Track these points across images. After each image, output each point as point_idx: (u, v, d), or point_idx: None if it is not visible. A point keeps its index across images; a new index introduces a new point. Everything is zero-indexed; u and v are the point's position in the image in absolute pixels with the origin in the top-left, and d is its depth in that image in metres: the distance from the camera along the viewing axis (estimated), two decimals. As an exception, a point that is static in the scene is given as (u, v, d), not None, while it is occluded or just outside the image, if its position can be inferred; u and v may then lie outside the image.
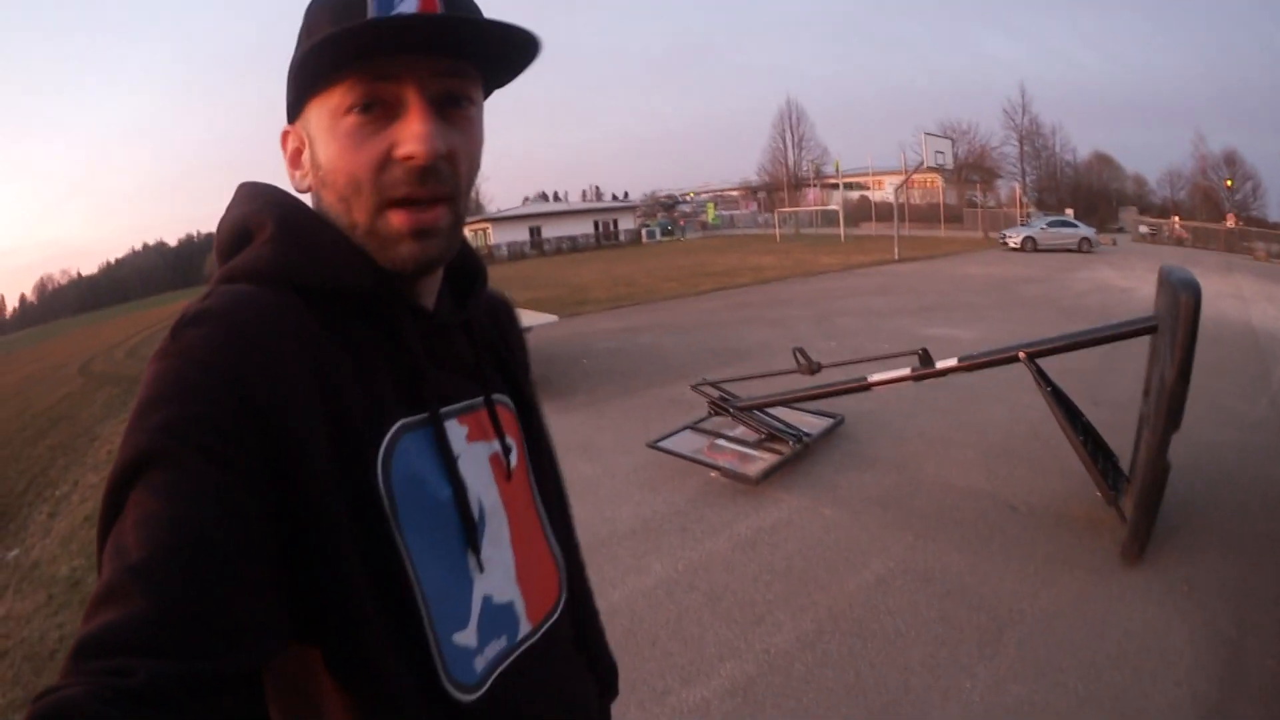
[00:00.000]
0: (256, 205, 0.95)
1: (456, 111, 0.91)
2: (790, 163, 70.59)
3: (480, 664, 0.96)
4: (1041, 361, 4.89)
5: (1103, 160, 69.37)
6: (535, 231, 62.02)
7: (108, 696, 0.58)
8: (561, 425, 7.96)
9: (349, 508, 0.83)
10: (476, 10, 0.91)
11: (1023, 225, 36.16)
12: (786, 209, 56.77)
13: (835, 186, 64.85)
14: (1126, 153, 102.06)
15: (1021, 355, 4.88)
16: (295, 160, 0.97)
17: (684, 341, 12.85)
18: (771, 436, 6.38)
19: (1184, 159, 71.04)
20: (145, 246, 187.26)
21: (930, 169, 36.79)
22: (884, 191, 63.99)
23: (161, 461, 0.72)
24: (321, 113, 0.89)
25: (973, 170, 56.81)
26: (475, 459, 1.02)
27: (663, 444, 6.47)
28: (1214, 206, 58.28)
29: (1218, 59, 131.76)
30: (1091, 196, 59.04)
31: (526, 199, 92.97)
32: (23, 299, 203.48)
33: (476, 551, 0.98)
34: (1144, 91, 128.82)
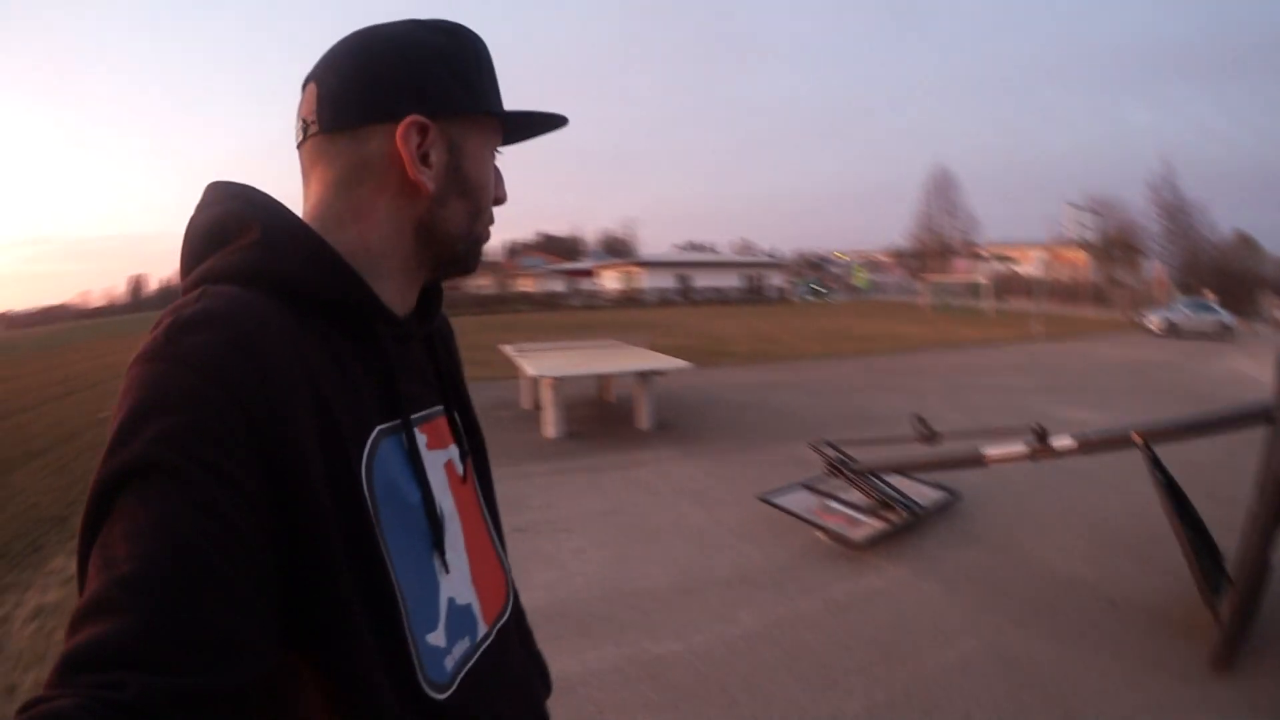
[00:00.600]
0: (237, 206, 0.95)
1: None
2: (939, 229, 68.90)
3: (450, 663, 0.99)
4: (1162, 451, 4.67)
5: (1244, 241, 64.10)
6: (683, 280, 62.16)
7: (98, 710, 0.58)
8: (681, 471, 8.13)
9: (338, 514, 0.84)
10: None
11: (1163, 308, 34.51)
12: (933, 277, 55.50)
13: (982, 257, 62.77)
14: (1270, 235, 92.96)
15: (1135, 437, 4.67)
16: (425, 156, 0.98)
17: (815, 403, 12.76)
18: (883, 503, 6.30)
19: None
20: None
21: (1076, 244, 35.54)
22: (1030, 265, 61.76)
23: (157, 472, 0.71)
24: (479, 141, 1.04)
25: (1117, 246, 54.19)
26: (434, 465, 1.05)
27: (773, 499, 6.47)
28: None
29: None
30: (1233, 280, 54.83)
31: (675, 246, 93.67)
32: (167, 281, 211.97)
33: (442, 553, 1.01)
34: None
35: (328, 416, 0.85)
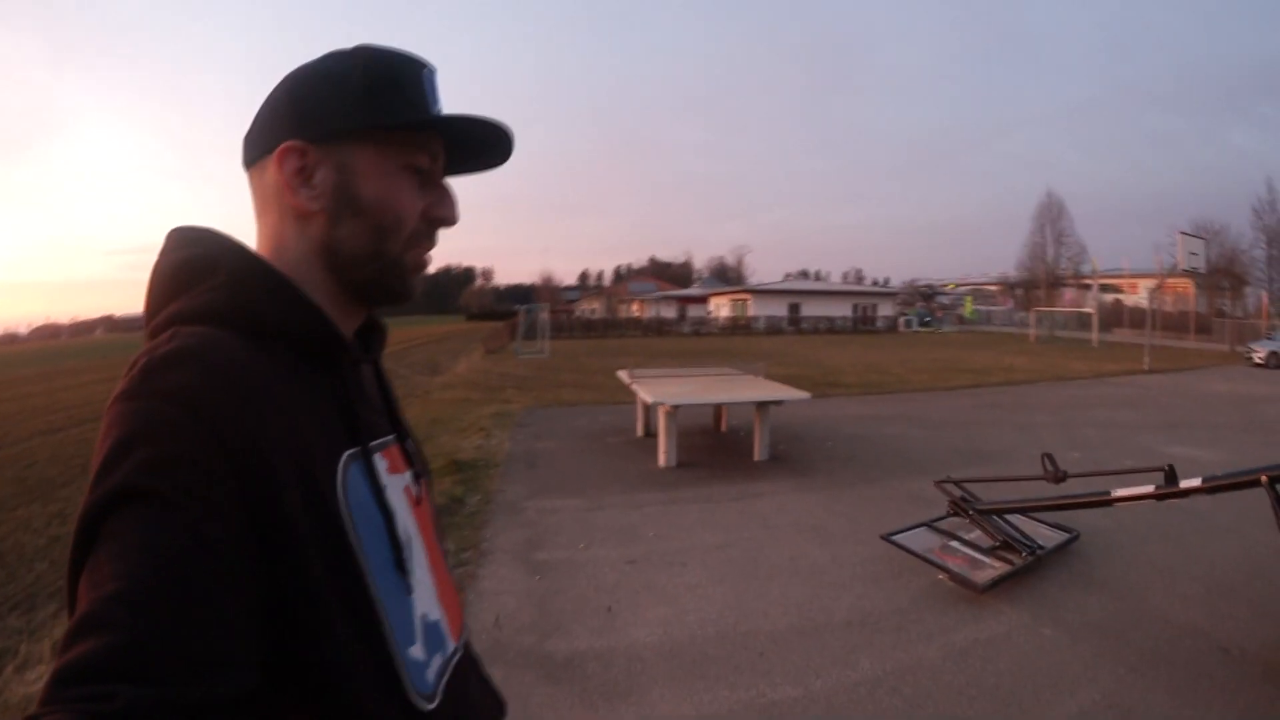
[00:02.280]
0: (202, 250, 0.98)
1: None
2: (1048, 258, 66.62)
3: (431, 675, 1.02)
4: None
5: None
6: (794, 308, 61.98)
7: None
8: (797, 505, 7.95)
9: (318, 537, 0.86)
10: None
11: (1267, 339, 32.74)
12: (1042, 308, 53.66)
13: (1089, 288, 60.87)
14: None
15: (1264, 479, 4.40)
16: (304, 179, 0.99)
17: (929, 437, 12.41)
18: (1005, 545, 6.05)
19: None
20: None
21: (1183, 273, 33.95)
22: (1137, 295, 59.61)
23: (141, 498, 0.73)
24: (376, 158, 1.01)
25: (1222, 276, 51.35)
26: (395, 489, 1.06)
27: (897, 538, 6.26)
28: None
29: None
30: None
31: (788, 275, 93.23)
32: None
33: (406, 574, 1.02)
34: None
35: (302, 445, 0.88)
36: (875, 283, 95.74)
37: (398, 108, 1.00)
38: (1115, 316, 52.54)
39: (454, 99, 1.07)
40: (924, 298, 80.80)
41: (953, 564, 5.81)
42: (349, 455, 0.97)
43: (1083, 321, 50.06)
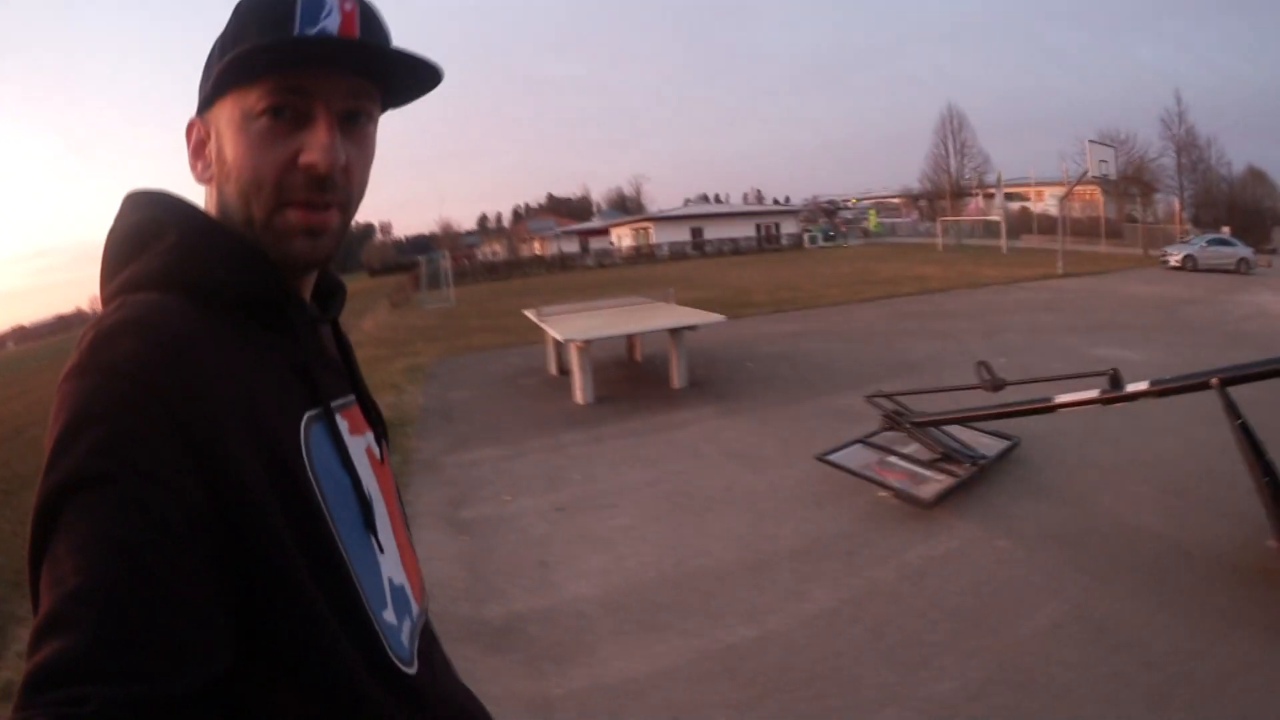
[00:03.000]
0: (154, 212, 0.95)
1: (355, 128, 0.96)
2: (952, 170, 67.96)
3: (405, 639, 1.01)
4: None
5: (1256, 176, 63.55)
6: (696, 232, 61.97)
7: None
8: (724, 432, 7.74)
9: (283, 504, 0.83)
10: (388, 37, 0.97)
11: (1183, 243, 34.12)
12: (948, 218, 54.87)
13: (994, 197, 62.13)
14: None
15: (1214, 382, 4.36)
16: (199, 152, 0.97)
17: (850, 350, 12.34)
18: (946, 456, 5.90)
19: None
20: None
21: (1092, 180, 34.86)
22: (1044, 203, 61.61)
23: (94, 483, 0.70)
24: (234, 111, 0.91)
25: (1131, 183, 53.44)
26: (358, 450, 1.04)
27: (832, 457, 6.05)
28: None
29: None
30: (1246, 214, 54.44)
31: (688, 200, 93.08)
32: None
33: (375, 534, 1.00)
34: None
35: (258, 409, 0.85)
36: (776, 202, 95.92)
37: (240, 52, 0.88)
38: (1023, 224, 54.31)
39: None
40: (827, 213, 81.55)
41: (894, 480, 5.65)
42: (310, 416, 0.95)
43: (990, 229, 51.29)
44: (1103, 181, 37.15)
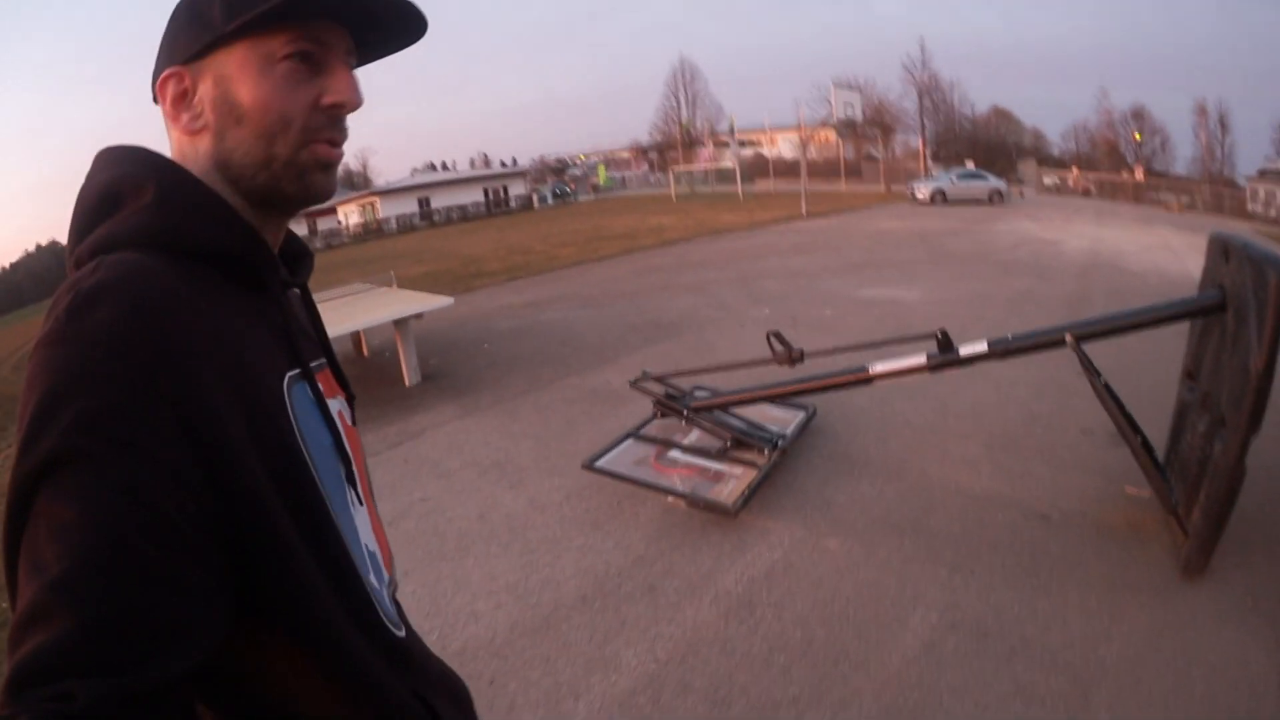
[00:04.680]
0: (130, 169, 0.95)
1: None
2: (684, 121, 70.30)
3: (388, 603, 1.09)
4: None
5: (1001, 115, 74.03)
6: (424, 203, 61.41)
7: None
8: (469, 437, 6.58)
9: (273, 468, 0.85)
10: None
11: (930, 178, 36.08)
12: (680, 168, 56.17)
13: (726, 145, 64.63)
14: (1024, 108, 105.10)
15: (1069, 339, 4.08)
16: (181, 103, 0.97)
17: (595, 316, 11.52)
18: (738, 442, 5.13)
19: (1086, 114, 75.76)
20: (39, 247, 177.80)
21: (839, 122, 36.39)
22: (777, 149, 65.16)
23: (75, 462, 0.70)
24: (249, 56, 0.94)
25: (871, 125, 57.03)
26: (334, 412, 1.07)
27: (602, 464, 5.11)
28: (1118, 159, 62.05)
29: (1121, 16, 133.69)
30: (990, 150, 61.53)
31: (414, 170, 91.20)
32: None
33: (354, 486, 1.07)
34: (1044, 49, 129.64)
35: (243, 372, 0.87)
36: (504, 164, 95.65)
37: (275, 5, 0.91)
38: (758, 169, 57.33)
39: None
40: (555, 172, 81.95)
41: (682, 481, 4.80)
42: (292, 376, 0.98)
43: (724, 177, 53.39)
44: (845, 124, 38.84)
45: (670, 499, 4.76)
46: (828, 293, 11.71)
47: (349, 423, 1.16)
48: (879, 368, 4.49)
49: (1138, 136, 65.31)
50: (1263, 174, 48.04)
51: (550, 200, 63.58)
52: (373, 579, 1.02)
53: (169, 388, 0.75)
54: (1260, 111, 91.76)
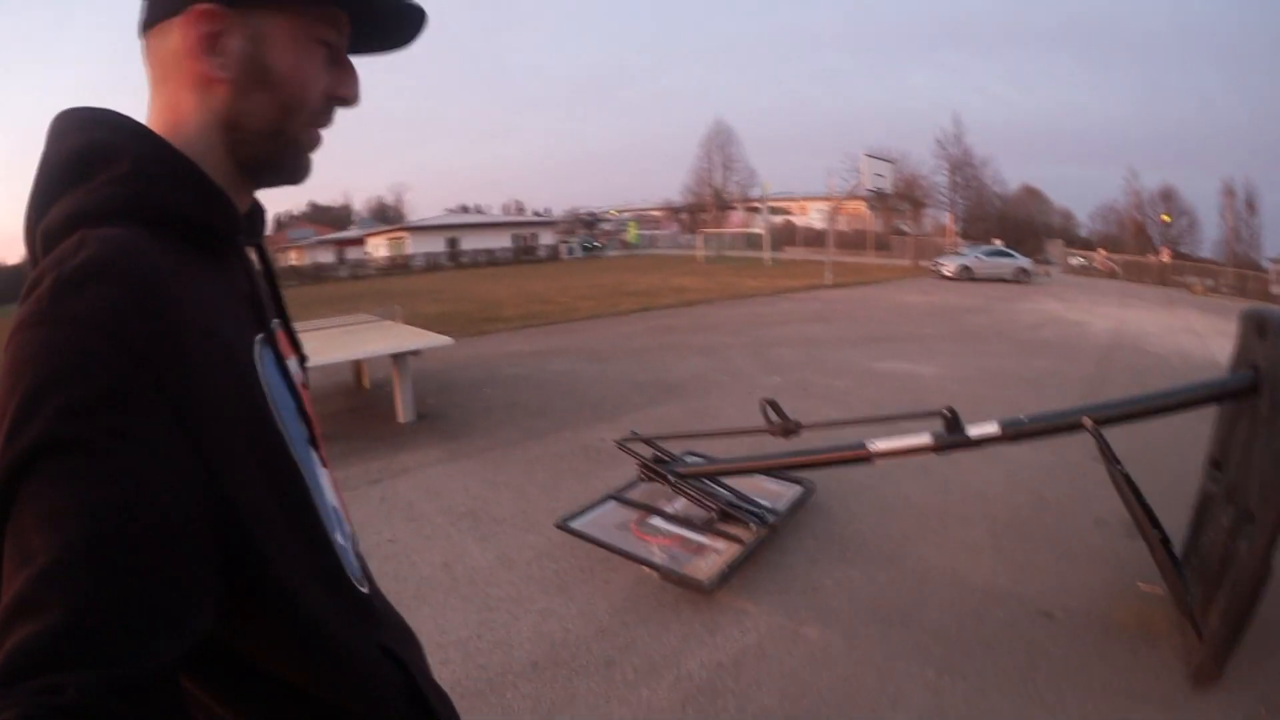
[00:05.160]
0: (102, 134, 0.90)
1: None
2: (716, 183, 71.03)
3: (352, 559, 1.07)
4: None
5: (1031, 193, 74.94)
6: (453, 243, 61.55)
7: (40, 717, 0.59)
8: (450, 482, 6.36)
9: (249, 438, 0.85)
10: None
11: (957, 254, 36.17)
12: (710, 230, 56.47)
13: (757, 210, 65.22)
14: (1054, 188, 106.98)
15: (1087, 422, 3.78)
16: (213, 45, 0.93)
17: (602, 371, 11.26)
18: (724, 514, 4.82)
19: (1115, 195, 76.12)
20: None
21: (869, 193, 36.42)
22: (808, 217, 65.47)
23: (65, 449, 0.68)
24: (291, 28, 0.96)
25: (901, 199, 57.38)
26: (293, 372, 1.06)
27: (577, 524, 4.82)
28: (1145, 240, 62.32)
29: (1151, 100, 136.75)
30: (1019, 228, 62.23)
31: (447, 210, 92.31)
32: None
33: (318, 448, 1.07)
34: (1074, 130, 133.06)
35: (223, 343, 0.86)
36: (536, 213, 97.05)
37: None
38: (787, 236, 57.90)
39: None
40: (586, 225, 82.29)
41: (659, 552, 4.52)
42: (259, 340, 0.97)
43: (752, 242, 53.76)
44: (874, 196, 39.09)
45: (645, 569, 4.44)
46: (842, 363, 11.47)
47: (302, 384, 1.13)
48: (880, 445, 4.19)
49: (1166, 218, 65.78)
50: None
51: (579, 252, 63.87)
52: (339, 537, 1.03)
53: (163, 373, 0.74)
54: None
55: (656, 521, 4.88)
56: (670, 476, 5.06)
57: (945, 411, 4.05)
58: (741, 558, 4.39)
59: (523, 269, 48.30)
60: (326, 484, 1.07)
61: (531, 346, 13.85)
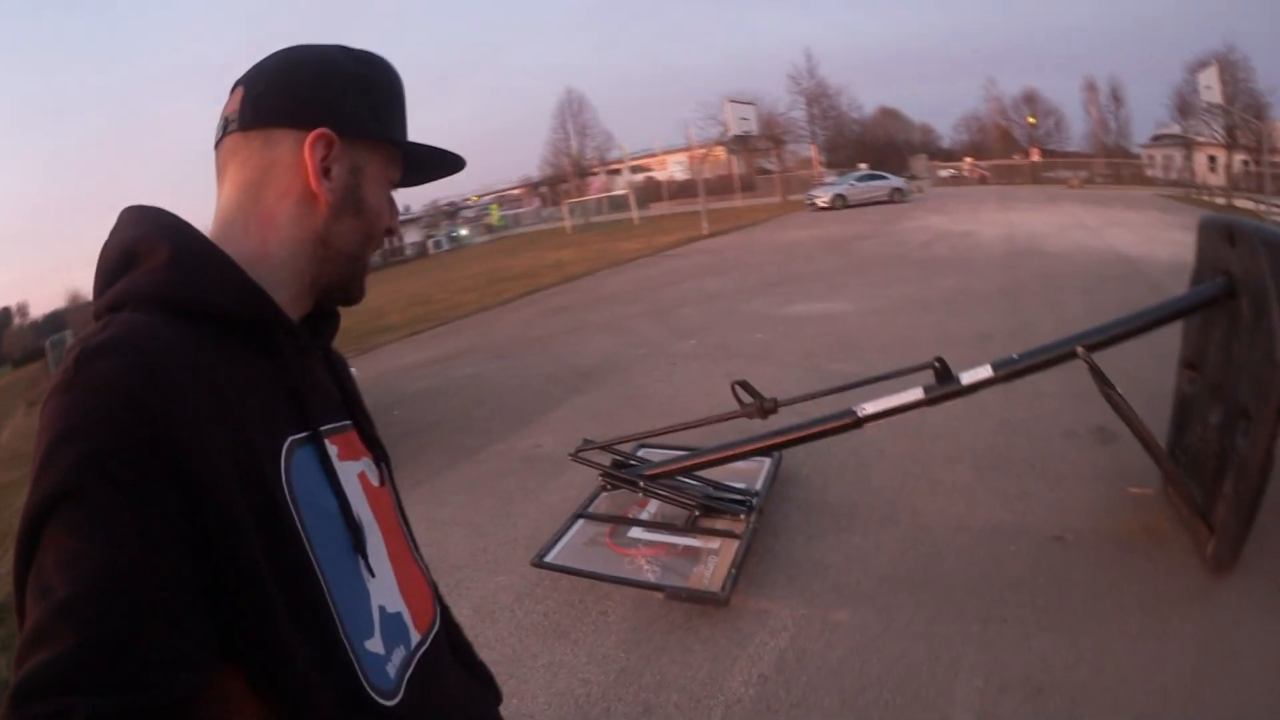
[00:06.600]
0: (146, 229, 0.99)
1: None
2: (574, 151, 71.39)
3: (392, 670, 1.04)
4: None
5: (888, 114, 77.47)
6: None
7: None
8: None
9: (259, 526, 0.87)
10: None
11: (827, 184, 36.76)
12: (574, 199, 56.75)
13: (618, 172, 66.10)
14: (912, 105, 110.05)
15: (1079, 350, 3.85)
16: (326, 170, 1.04)
17: (510, 368, 10.72)
18: (705, 509, 4.52)
19: (976, 104, 77.07)
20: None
21: (735, 138, 36.64)
22: (667, 170, 65.87)
23: (78, 498, 0.75)
24: (383, 165, 1.12)
25: (761, 138, 58.26)
26: (348, 475, 1.09)
27: (553, 558, 4.36)
28: (1011, 144, 64.68)
29: (1001, 5, 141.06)
30: (880, 150, 64.20)
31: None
32: None
33: (365, 556, 1.05)
34: (926, 48, 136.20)
35: (239, 431, 0.89)
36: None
37: (401, 124, 1.14)
38: (652, 193, 58.16)
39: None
40: (448, 215, 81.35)
41: (649, 565, 4.18)
42: (295, 440, 0.99)
43: (616, 204, 53.81)
44: (740, 139, 39.44)
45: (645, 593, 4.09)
46: (752, 315, 11.34)
47: (375, 484, 1.17)
48: (870, 408, 4.01)
49: (1031, 120, 67.84)
50: (1156, 139, 50.72)
51: (446, 245, 63.51)
52: (374, 644, 1.01)
53: (163, 435, 0.79)
54: (1158, 78, 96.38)
55: (635, 532, 4.54)
56: (639, 482, 4.70)
57: (934, 362, 3.96)
58: (742, 553, 4.08)
59: (394, 271, 47.41)
60: (382, 588, 1.08)
61: (428, 354, 13.28)
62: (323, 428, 1.06)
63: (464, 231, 66.29)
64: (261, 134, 1.02)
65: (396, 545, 1.17)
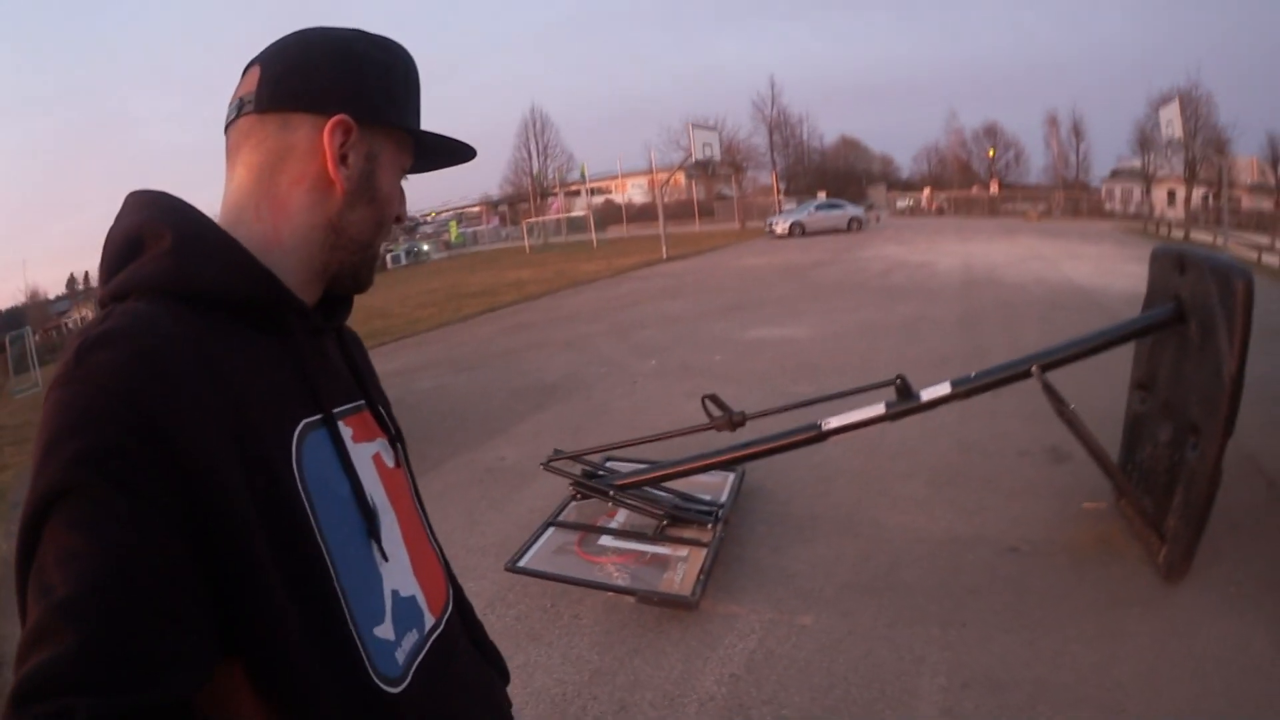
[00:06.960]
0: (150, 214, 0.98)
1: None
2: (534, 172, 71.44)
3: (400, 656, 1.03)
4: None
5: (849, 144, 78.29)
6: None
7: None
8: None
9: (264, 514, 0.86)
10: None
11: (786, 212, 37.09)
12: (534, 219, 56.68)
13: (577, 194, 66.19)
14: (873, 136, 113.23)
15: (1035, 370, 4.05)
16: (343, 157, 1.03)
17: (472, 382, 10.82)
18: (673, 518, 4.64)
19: (936, 136, 79.33)
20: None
21: (697, 163, 36.78)
22: (626, 193, 66.57)
23: (76, 495, 0.74)
24: (396, 153, 1.11)
25: (723, 164, 58.77)
26: (362, 457, 1.08)
27: (527, 563, 4.47)
28: (970, 176, 66.08)
29: (964, 38, 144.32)
30: (839, 179, 65.31)
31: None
32: None
33: (378, 540, 1.04)
34: (889, 79, 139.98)
35: (245, 419, 0.88)
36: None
37: (416, 112, 1.14)
38: (610, 216, 58.78)
39: None
40: (407, 231, 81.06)
41: (619, 571, 4.31)
42: (307, 423, 0.98)
43: (575, 225, 54.44)
44: (702, 164, 39.66)
45: (617, 596, 4.23)
46: (712, 337, 11.49)
47: (389, 465, 1.16)
48: (834, 422, 4.17)
49: (991, 152, 68.88)
50: (1115, 174, 51.78)
51: (404, 260, 62.80)
52: (384, 630, 1.00)
53: (162, 429, 0.77)
54: (1119, 113, 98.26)
55: (605, 540, 4.67)
56: (609, 491, 4.83)
57: (896, 380, 4.13)
58: (711, 560, 4.22)
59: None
60: (395, 572, 1.07)
61: (389, 366, 13.13)
62: (336, 410, 1.05)
63: (426, 247, 65.89)
64: (279, 117, 1.01)
65: (411, 527, 1.16)
